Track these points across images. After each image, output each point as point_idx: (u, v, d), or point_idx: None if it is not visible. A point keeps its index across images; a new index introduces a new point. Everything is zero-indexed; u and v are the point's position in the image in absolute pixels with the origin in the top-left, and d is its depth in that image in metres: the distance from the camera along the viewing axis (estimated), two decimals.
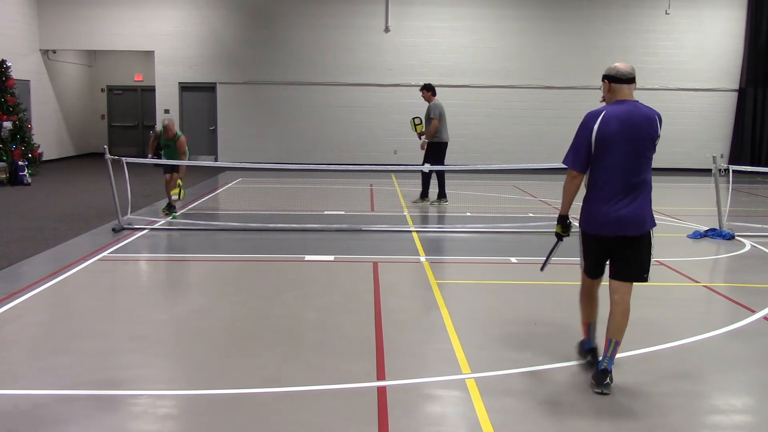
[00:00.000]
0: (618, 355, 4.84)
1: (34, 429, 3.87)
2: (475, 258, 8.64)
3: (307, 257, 8.23)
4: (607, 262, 4.65)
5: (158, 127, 11.12)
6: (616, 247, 4.51)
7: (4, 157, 15.04)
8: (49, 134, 19.47)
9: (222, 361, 4.95)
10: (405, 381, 4.59)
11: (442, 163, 12.67)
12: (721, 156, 20.19)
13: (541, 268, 5.06)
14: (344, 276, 7.58)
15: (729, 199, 10.80)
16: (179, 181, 11.04)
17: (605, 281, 4.72)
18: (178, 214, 11.07)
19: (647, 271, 4.53)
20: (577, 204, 4.71)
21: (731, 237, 9.66)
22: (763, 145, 21.11)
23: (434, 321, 5.89)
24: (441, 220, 11.71)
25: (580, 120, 4.61)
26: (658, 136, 4.49)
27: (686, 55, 20.83)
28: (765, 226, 10.89)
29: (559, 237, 4.80)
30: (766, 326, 5.96)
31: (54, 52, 20.46)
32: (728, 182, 10.83)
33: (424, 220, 11.62)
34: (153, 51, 20.52)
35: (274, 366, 4.85)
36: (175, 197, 11.01)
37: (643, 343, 5.31)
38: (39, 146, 16.72)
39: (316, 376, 4.66)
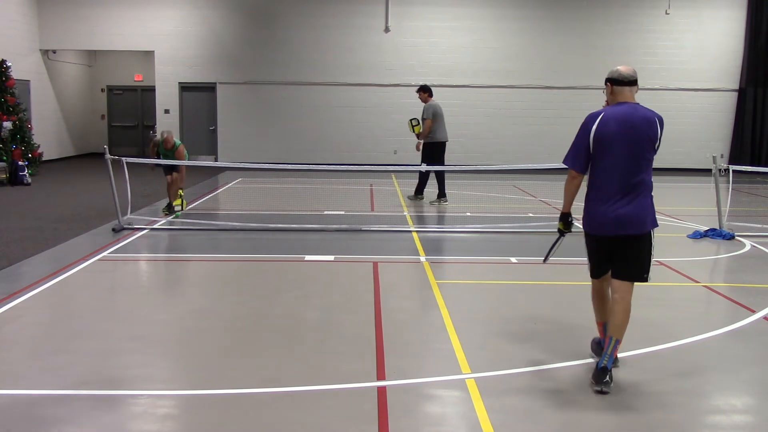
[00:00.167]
0: (618, 355, 4.86)
1: (33, 429, 3.87)
2: (475, 258, 8.64)
3: (307, 257, 8.23)
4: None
5: (157, 136, 11.13)
6: (616, 247, 4.56)
7: (4, 157, 15.04)
8: (49, 134, 19.47)
9: (222, 361, 4.95)
10: (405, 381, 4.59)
11: (440, 163, 12.73)
12: (721, 156, 20.19)
13: (544, 260, 5.13)
14: (344, 276, 7.57)
15: (729, 199, 10.80)
16: (180, 191, 11.05)
17: None
18: (179, 213, 11.08)
19: (647, 271, 4.57)
20: (579, 204, 4.73)
21: (731, 237, 9.66)
22: (763, 145, 21.11)
23: (434, 321, 5.89)
24: (441, 220, 11.71)
25: (580, 120, 4.67)
26: (659, 138, 4.53)
27: (686, 55, 20.83)
28: (765, 226, 10.89)
29: (561, 233, 4.91)
30: (766, 326, 5.96)
31: (54, 52, 20.46)
32: (728, 182, 10.83)
33: (424, 220, 11.62)
34: (153, 51, 20.52)
35: (274, 366, 4.85)
36: (177, 208, 11.04)
37: (643, 343, 5.31)
38: (39, 146, 16.72)
39: (316, 376, 4.66)
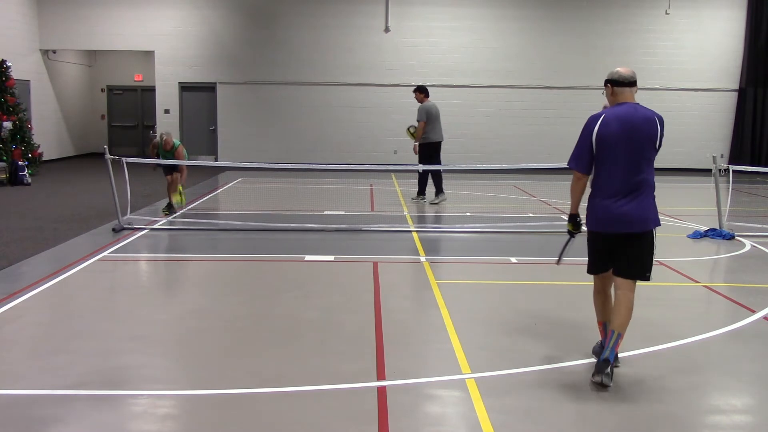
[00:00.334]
0: (619, 354, 4.87)
1: (33, 429, 3.88)
2: (475, 258, 8.64)
3: (307, 257, 8.23)
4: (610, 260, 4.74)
5: (156, 137, 11.14)
6: (618, 245, 4.62)
7: (4, 157, 15.05)
8: (49, 134, 19.47)
9: (222, 361, 4.95)
10: (405, 381, 4.59)
11: (437, 162, 12.75)
12: (721, 156, 20.19)
13: (557, 262, 5.22)
14: (344, 276, 7.57)
15: (729, 199, 10.81)
16: (180, 187, 11.06)
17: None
18: (178, 205, 11.11)
19: (649, 270, 4.63)
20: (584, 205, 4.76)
21: (731, 237, 9.66)
22: (763, 145, 21.11)
23: (434, 321, 5.89)
24: (441, 220, 11.71)
25: (580, 120, 4.72)
26: (660, 137, 4.59)
27: (686, 55, 20.84)
28: (765, 226, 10.89)
29: (571, 234, 5.02)
30: (766, 326, 5.96)
31: (54, 52, 20.46)
32: (728, 182, 10.83)
33: (424, 220, 11.62)
34: (153, 51, 20.53)
35: (274, 366, 4.85)
36: (177, 204, 11.05)
37: (644, 342, 5.31)
38: (39, 146, 16.72)
39: (316, 376, 4.66)
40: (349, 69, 20.61)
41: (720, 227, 9.91)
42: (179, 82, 20.69)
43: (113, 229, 9.61)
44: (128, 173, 10.23)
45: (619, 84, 4.66)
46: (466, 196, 14.25)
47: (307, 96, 20.66)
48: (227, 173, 18.12)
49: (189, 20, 20.39)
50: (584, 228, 4.93)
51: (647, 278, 4.63)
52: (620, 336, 4.56)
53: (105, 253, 8.31)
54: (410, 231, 10.14)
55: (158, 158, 10.96)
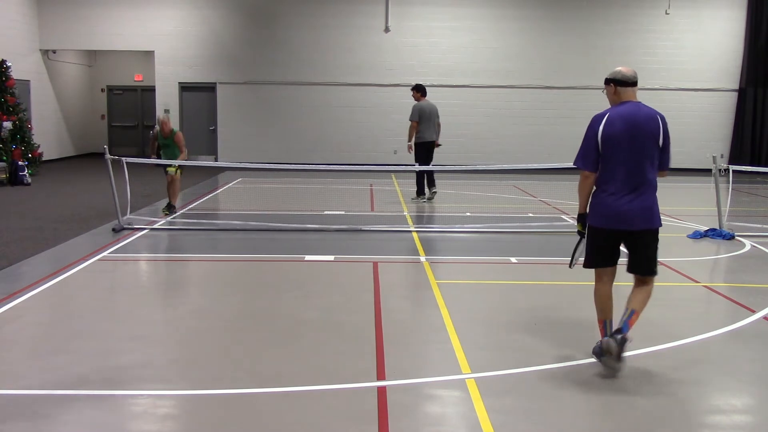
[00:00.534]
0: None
1: (33, 429, 3.88)
2: (475, 258, 8.64)
3: (307, 257, 8.23)
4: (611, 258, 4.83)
5: (156, 126, 11.13)
6: (628, 241, 4.74)
7: (4, 157, 15.05)
8: (49, 134, 19.47)
9: (222, 361, 4.95)
10: (405, 381, 4.59)
11: (426, 162, 12.76)
12: (721, 156, 20.19)
13: (570, 266, 5.25)
14: (344, 276, 7.57)
15: (729, 199, 10.81)
16: (180, 170, 10.95)
17: (617, 281, 4.87)
18: (177, 213, 11.10)
19: (656, 265, 4.81)
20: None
21: (731, 237, 9.67)
22: (763, 145, 21.11)
23: (434, 321, 5.89)
24: (441, 220, 11.70)
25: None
26: (663, 136, 4.68)
27: (686, 55, 20.84)
28: (765, 226, 10.90)
29: (582, 234, 5.02)
30: (766, 326, 5.96)
31: (54, 52, 20.46)
32: (728, 182, 10.83)
33: (424, 220, 11.62)
34: (153, 51, 20.53)
35: (274, 366, 4.85)
36: (171, 173, 10.84)
37: (644, 343, 5.30)
38: (39, 146, 16.72)
39: (316, 376, 4.66)
40: (349, 69, 20.62)
41: (720, 227, 9.91)
42: (179, 82, 20.69)
43: (113, 229, 9.61)
44: (128, 173, 10.23)
45: (622, 84, 4.75)
46: (466, 196, 14.26)
47: (307, 96, 20.66)
48: (227, 173, 18.12)
49: (189, 20, 20.39)
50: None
51: (655, 272, 4.79)
52: (634, 312, 4.69)
53: (105, 253, 8.31)
54: (410, 231, 10.14)
55: (159, 150, 10.97)
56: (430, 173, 13.05)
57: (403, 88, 19.96)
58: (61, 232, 9.51)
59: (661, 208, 4.86)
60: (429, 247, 9.06)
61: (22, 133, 15.88)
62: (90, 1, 20.11)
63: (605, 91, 4.92)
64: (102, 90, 23.17)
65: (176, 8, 20.31)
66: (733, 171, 10.48)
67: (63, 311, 6.29)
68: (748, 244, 9.40)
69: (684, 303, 6.72)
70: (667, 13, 20.67)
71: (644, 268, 4.77)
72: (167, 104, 20.61)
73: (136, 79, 22.90)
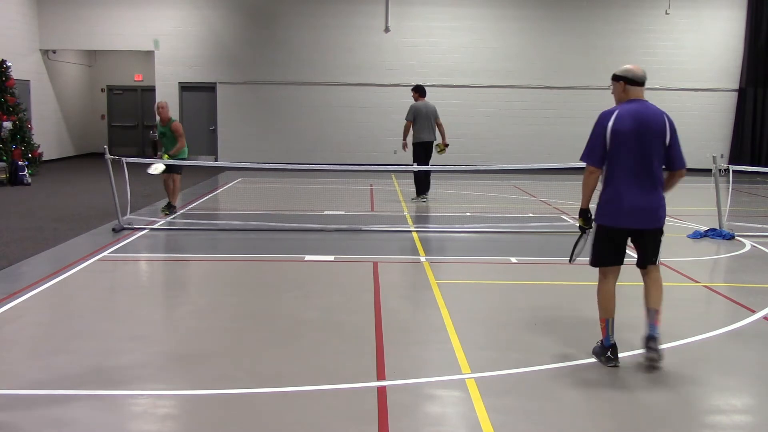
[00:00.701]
0: (619, 355, 4.87)
1: (33, 429, 3.87)
2: (475, 258, 8.64)
3: (307, 257, 8.23)
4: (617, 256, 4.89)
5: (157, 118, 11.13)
6: (635, 238, 4.79)
7: (4, 157, 15.05)
8: (49, 134, 19.47)
9: (222, 361, 4.94)
10: (405, 381, 4.59)
11: (420, 162, 12.79)
12: (721, 156, 20.09)
13: (570, 261, 5.23)
14: (344, 276, 7.57)
15: (729, 199, 10.81)
16: (165, 155, 10.85)
17: (621, 281, 4.89)
18: (177, 213, 11.09)
19: (658, 255, 4.89)
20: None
21: (731, 237, 9.67)
22: (763, 145, 21.11)
23: (434, 321, 5.89)
24: (441, 220, 11.70)
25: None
26: (670, 135, 4.74)
27: (686, 55, 20.83)
28: (765, 226, 10.90)
29: (583, 230, 5.03)
30: (766, 326, 5.96)
31: (54, 52, 20.46)
32: (728, 182, 10.83)
33: (424, 220, 11.62)
34: (153, 51, 20.52)
35: (274, 366, 4.85)
36: (155, 172, 10.80)
37: (643, 342, 5.30)
38: (39, 146, 16.72)
39: (316, 376, 4.66)
40: (349, 69, 20.62)
41: (720, 227, 9.91)
42: (179, 82, 20.69)
43: (113, 229, 9.61)
44: (128, 173, 10.22)
45: (633, 83, 4.78)
46: (466, 196, 14.26)
47: (307, 96, 20.66)
48: (227, 173, 18.12)
49: (189, 20, 20.39)
50: (594, 224, 4.97)
51: (655, 262, 4.89)
52: (656, 312, 4.78)
53: (105, 253, 8.31)
54: (410, 231, 10.14)
55: (158, 145, 10.96)
56: (427, 176, 13.09)
57: (403, 88, 19.96)
58: (61, 232, 9.51)
59: None
60: (429, 247, 9.06)
61: (22, 133, 15.88)
62: (90, 1, 20.10)
63: (612, 87, 4.90)
64: (102, 90, 23.18)
65: (176, 8, 20.31)
66: (733, 171, 10.48)
67: (63, 311, 6.29)
68: (748, 244, 9.40)
69: (684, 303, 6.71)
70: (667, 13, 20.67)
71: (649, 259, 4.85)
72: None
73: (136, 79, 22.90)
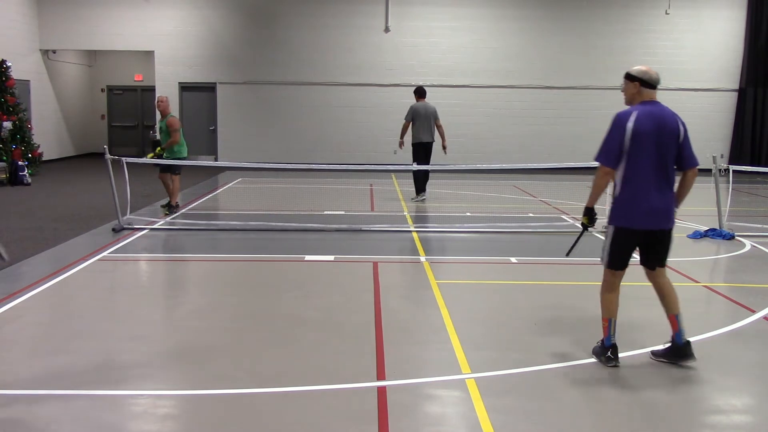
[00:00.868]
0: (620, 355, 4.87)
1: (33, 429, 3.87)
2: (475, 258, 8.64)
3: (307, 257, 8.23)
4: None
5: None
6: (649, 240, 4.81)
7: (4, 157, 15.05)
8: (49, 134, 19.47)
9: (222, 361, 4.94)
10: (405, 381, 4.59)
11: (420, 162, 13.00)
12: (721, 156, 20.12)
13: (567, 254, 5.26)
14: (344, 276, 7.57)
15: (729, 199, 10.82)
16: (162, 151, 10.93)
17: (626, 281, 4.86)
18: (177, 213, 11.09)
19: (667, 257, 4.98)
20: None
21: (731, 237, 9.67)
22: (763, 145, 21.11)
23: (434, 321, 5.89)
24: (441, 220, 11.70)
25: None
26: (684, 135, 4.77)
27: (686, 55, 20.83)
28: (765, 226, 10.90)
29: (585, 227, 5.03)
30: (766, 326, 5.96)
31: (54, 52, 20.46)
32: (728, 182, 10.83)
33: (424, 220, 11.62)
34: (153, 51, 20.53)
35: (274, 366, 4.85)
36: (158, 153, 10.92)
37: (644, 343, 5.30)
38: (39, 146, 16.72)
39: (316, 376, 4.66)
40: (349, 69, 20.61)
41: (720, 227, 9.91)
42: (179, 82, 20.69)
43: (113, 229, 9.61)
44: (128, 173, 10.23)
45: (648, 85, 4.79)
46: (466, 196, 14.26)
47: (307, 96, 20.66)
48: (227, 173, 18.13)
49: (189, 20, 20.39)
50: (597, 223, 4.99)
51: (665, 264, 4.98)
52: (678, 315, 4.86)
53: (105, 253, 8.31)
54: (410, 231, 10.14)
55: (159, 150, 10.99)
56: (426, 176, 13.24)
57: (403, 88, 19.99)
58: (61, 232, 9.51)
59: None
60: (429, 247, 9.06)
61: (22, 133, 15.88)
62: (90, 1, 20.10)
63: (624, 86, 4.88)
64: (102, 90, 23.18)
65: (176, 8, 20.31)
66: (733, 171, 10.48)
67: (63, 311, 6.29)
68: (748, 244, 9.41)
69: (684, 303, 6.63)
70: (667, 13, 20.67)
71: (663, 260, 4.91)
72: None
73: (136, 79, 22.90)
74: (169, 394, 4.40)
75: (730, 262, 8.58)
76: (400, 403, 4.27)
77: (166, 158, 10.80)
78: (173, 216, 10.90)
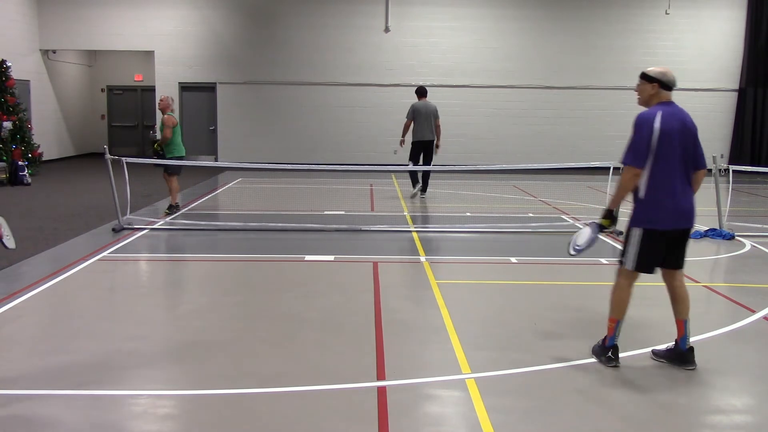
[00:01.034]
0: (620, 355, 4.87)
1: (33, 429, 3.88)
2: (475, 258, 8.64)
3: (307, 257, 8.23)
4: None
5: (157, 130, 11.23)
6: (672, 240, 4.79)
7: (4, 157, 15.04)
8: (49, 134, 19.47)
9: (222, 361, 4.94)
10: (405, 381, 4.59)
11: (416, 159, 13.48)
12: (721, 156, 20.19)
13: (575, 255, 5.11)
14: (344, 276, 7.57)
15: (729, 199, 10.82)
16: (159, 147, 11.04)
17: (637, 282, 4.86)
18: (178, 214, 11.09)
19: None
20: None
21: (731, 237, 9.67)
22: (763, 145, 21.11)
23: (434, 321, 5.89)
24: (441, 220, 11.70)
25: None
26: (696, 136, 4.84)
27: (686, 55, 20.83)
28: (765, 226, 10.90)
29: (602, 229, 4.97)
30: (766, 326, 5.96)
31: (54, 52, 20.46)
32: (728, 182, 10.83)
33: (424, 220, 11.62)
34: (153, 51, 20.53)
35: (274, 366, 4.85)
36: (155, 150, 11.07)
37: (643, 343, 5.30)
38: (39, 146, 16.72)
39: (316, 376, 4.66)
40: (349, 69, 20.61)
41: (720, 227, 9.91)
42: (179, 82, 20.69)
43: (113, 229, 9.61)
44: (128, 173, 10.23)
45: (666, 87, 4.86)
46: (466, 196, 14.26)
47: (307, 96, 20.66)
48: (227, 173, 18.12)
49: (189, 20, 20.39)
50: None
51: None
52: (687, 321, 4.87)
53: (105, 253, 8.31)
54: (410, 231, 10.14)
55: (161, 150, 11.04)
56: (426, 176, 13.52)
57: (403, 88, 20.00)
58: (61, 232, 9.51)
59: None
60: (429, 247, 9.06)
61: (22, 133, 15.88)
62: (90, 1, 20.10)
63: (640, 86, 4.85)
64: (102, 90, 23.17)
65: (176, 8, 20.31)
66: (733, 171, 10.48)
67: (63, 311, 6.29)
68: (748, 244, 9.41)
69: None
70: (667, 13, 20.67)
71: (683, 261, 4.89)
72: None
73: (136, 79, 22.90)
74: (169, 394, 4.40)
75: (730, 262, 8.58)
76: (400, 403, 4.27)
77: (162, 156, 10.88)
78: (173, 216, 10.89)
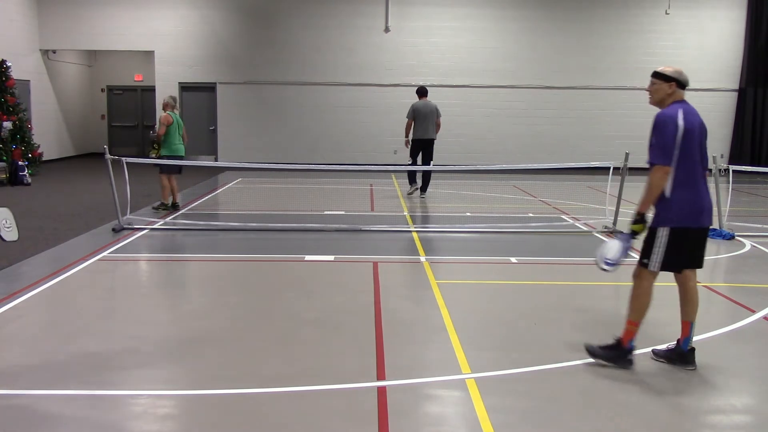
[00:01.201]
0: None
1: (33, 429, 3.88)
2: (475, 258, 8.64)
3: (307, 257, 8.23)
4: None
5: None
6: (700, 238, 4.85)
7: (4, 157, 15.04)
8: (49, 134, 19.47)
9: (222, 361, 4.94)
10: (405, 381, 4.59)
11: (415, 158, 13.77)
12: (721, 156, 20.20)
13: (608, 269, 4.92)
14: (344, 276, 7.57)
15: (729, 199, 10.82)
16: (156, 151, 11.38)
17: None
18: (177, 214, 11.10)
19: None
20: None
21: (731, 237, 9.67)
22: (763, 145, 21.11)
23: (434, 321, 5.89)
24: (441, 220, 11.70)
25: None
26: None
27: (686, 55, 20.81)
28: (765, 226, 10.90)
29: (634, 236, 4.80)
30: (766, 326, 5.96)
31: (54, 52, 20.46)
32: (728, 182, 10.83)
33: (424, 220, 11.63)
34: (153, 51, 20.53)
35: (274, 366, 4.85)
36: (152, 155, 11.37)
37: (643, 343, 5.29)
38: (39, 146, 16.72)
39: (316, 376, 4.66)
40: (349, 69, 20.61)
41: (720, 227, 9.91)
42: (179, 82, 20.69)
43: (113, 229, 9.61)
44: (128, 173, 10.23)
45: (682, 86, 4.83)
46: (466, 196, 14.26)
47: (307, 96, 20.66)
48: (227, 173, 18.12)
49: (189, 20, 20.39)
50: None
51: None
52: (693, 324, 4.89)
53: (105, 253, 8.31)
54: (410, 231, 10.14)
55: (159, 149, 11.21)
56: (427, 175, 13.66)
57: (403, 88, 20.01)
58: (61, 232, 9.51)
59: None
60: (429, 247, 9.06)
61: (22, 133, 15.87)
62: (90, 1, 20.10)
63: (655, 86, 4.79)
64: (102, 90, 23.17)
65: (176, 8, 20.31)
66: (733, 171, 10.48)
67: (63, 311, 6.29)
68: (748, 244, 9.41)
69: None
70: (667, 14, 20.67)
71: (702, 260, 4.91)
72: None
73: (136, 79, 22.90)
74: (169, 394, 4.40)
75: (730, 262, 8.58)
76: (400, 403, 4.27)
77: (159, 155, 11.10)
78: (173, 216, 10.89)
